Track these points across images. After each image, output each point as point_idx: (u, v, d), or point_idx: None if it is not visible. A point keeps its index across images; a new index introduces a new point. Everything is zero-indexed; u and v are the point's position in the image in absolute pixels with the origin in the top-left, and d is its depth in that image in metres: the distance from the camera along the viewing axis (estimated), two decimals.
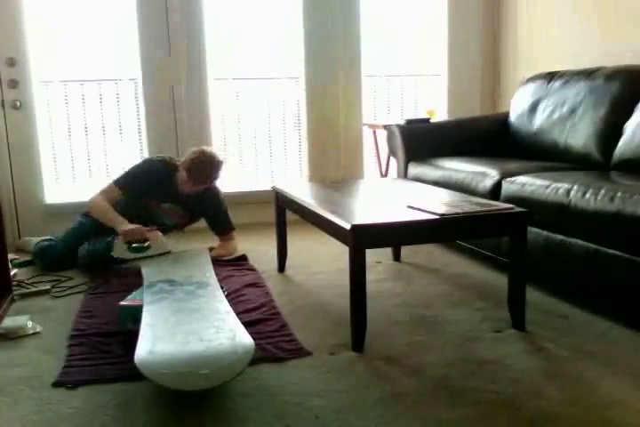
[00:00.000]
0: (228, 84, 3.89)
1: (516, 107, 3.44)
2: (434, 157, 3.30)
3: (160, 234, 2.90)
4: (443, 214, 1.98)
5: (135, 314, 2.05)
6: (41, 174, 3.64)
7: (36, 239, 3.19)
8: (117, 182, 3.02)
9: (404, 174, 3.44)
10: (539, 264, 2.43)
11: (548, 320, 2.19)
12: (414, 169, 3.33)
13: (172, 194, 3.04)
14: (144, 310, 2.03)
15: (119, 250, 2.80)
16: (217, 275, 2.50)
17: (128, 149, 3.78)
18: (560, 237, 2.33)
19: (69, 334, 2.13)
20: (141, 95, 3.73)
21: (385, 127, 3.70)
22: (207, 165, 2.93)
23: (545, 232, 2.40)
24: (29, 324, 2.19)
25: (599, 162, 2.84)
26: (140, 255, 2.77)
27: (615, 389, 1.67)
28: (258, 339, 1.98)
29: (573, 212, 2.23)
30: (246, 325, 1.97)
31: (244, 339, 1.77)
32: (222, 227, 3.13)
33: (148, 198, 3.04)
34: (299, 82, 4.00)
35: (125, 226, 2.85)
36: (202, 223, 2.82)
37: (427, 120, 3.59)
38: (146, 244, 2.81)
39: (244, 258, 3.01)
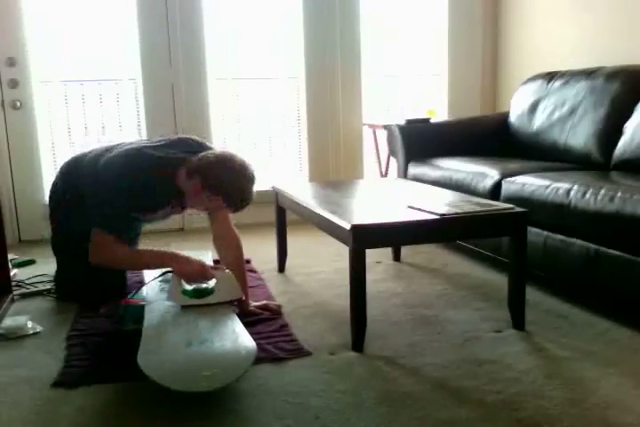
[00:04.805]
0: (227, 84, 3.89)
1: (516, 107, 3.45)
2: (434, 157, 3.30)
3: (228, 273, 2.15)
4: (443, 214, 1.98)
5: (136, 314, 2.05)
6: (41, 174, 3.64)
7: None
8: (110, 229, 2.15)
9: (404, 174, 3.44)
10: (539, 264, 2.43)
11: (548, 320, 2.19)
12: (414, 169, 3.33)
13: (172, 200, 2.28)
14: (146, 310, 2.03)
15: (175, 294, 2.07)
16: None
17: None
18: (560, 237, 2.33)
19: (69, 334, 2.13)
20: (141, 95, 3.73)
21: (385, 127, 3.70)
22: (247, 189, 2.10)
23: (545, 232, 2.40)
24: (29, 324, 2.18)
25: (599, 162, 2.84)
26: (202, 302, 2.05)
27: (615, 389, 1.67)
28: (258, 339, 1.98)
29: (573, 212, 2.23)
30: (247, 325, 1.97)
31: (246, 341, 1.77)
32: None
33: (139, 215, 2.31)
34: (299, 82, 4.00)
35: (179, 260, 2.12)
36: (202, 223, 2.78)
37: (427, 120, 3.59)
38: (209, 285, 2.09)
39: (247, 261, 2.98)
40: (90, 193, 2.27)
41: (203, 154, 2.13)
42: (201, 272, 2.10)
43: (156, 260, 2.16)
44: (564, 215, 2.28)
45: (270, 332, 2.10)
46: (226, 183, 2.06)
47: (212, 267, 2.16)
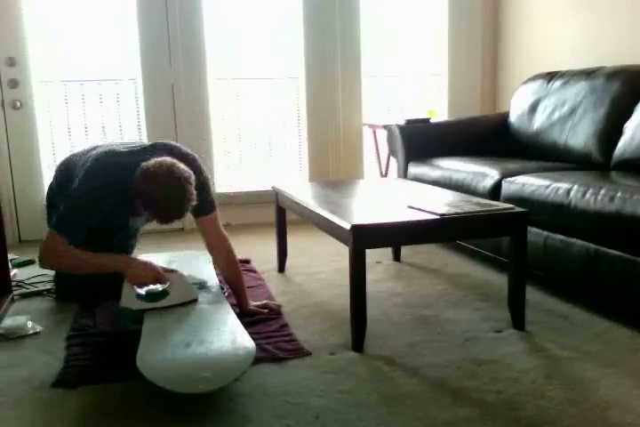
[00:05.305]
0: (227, 84, 3.89)
1: (516, 107, 3.44)
2: (434, 157, 3.30)
3: (182, 275, 2.13)
4: (443, 214, 1.98)
5: (136, 314, 2.04)
6: (41, 174, 3.64)
7: None
8: (63, 230, 2.08)
9: (403, 174, 3.44)
10: (539, 264, 2.43)
11: (548, 320, 2.19)
12: (414, 169, 3.33)
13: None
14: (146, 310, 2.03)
15: (128, 298, 2.02)
16: (217, 276, 2.49)
17: None
18: (560, 237, 2.33)
19: (69, 334, 2.13)
20: (141, 95, 3.73)
21: (385, 127, 3.70)
22: (176, 208, 1.96)
23: (545, 232, 2.40)
24: (29, 324, 2.18)
25: (599, 162, 2.84)
26: (156, 306, 2.01)
27: (615, 389, 1.67)
28: (258, 339, 1.98)
29: (573, 212, 2.23)
30: (246, 325, 1.97)
31: (245, 341, 1.77)
32: (204, 207, 2.24)
33: (117, 220, 2.33)
34: (299, 82, 4.00)
35: (132, 265, 2.07)
36: None
37: (427, 120, 3.59)
38: (162, 288, 2.04)
39: (246, 261, 2.99)
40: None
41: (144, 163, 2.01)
42: (154, 278, 2.06)
43: (109, 264, 2.11)
44: (564, 215, 2.28)
45: (270, 332, 2.10)
46: (146, 194, 1.94)
47: (164, 270, 2.12)
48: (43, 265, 2.15)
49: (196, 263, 2.64)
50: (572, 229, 2.28)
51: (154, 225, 2.62)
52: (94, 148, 2.38)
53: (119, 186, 2.07)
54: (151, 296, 2.02)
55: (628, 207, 2.02)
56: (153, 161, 1.99)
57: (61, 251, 2.08)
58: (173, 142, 2.31)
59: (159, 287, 2.05)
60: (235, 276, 2.29)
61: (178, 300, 2.05)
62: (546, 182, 2.42)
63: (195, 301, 2.09)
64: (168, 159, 2.02)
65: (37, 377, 1.82)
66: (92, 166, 2.15)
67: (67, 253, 2.08)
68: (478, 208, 2.06)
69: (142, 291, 2.05)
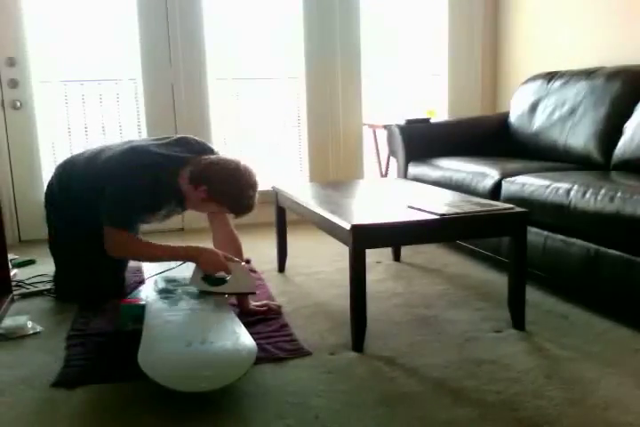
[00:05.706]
0: (227, 84, 3.89)
1: (516, 107, 3.45)
2: (434, 157, 3.30)
3: (245, 268, 2.23)
4: (443, 214, 1.98)
5: (136, 314, 2.05)
6: (41, 174, 3.64)
7: None
8: (123, 224, 2.19)
9: (404, 174, 3.44)
10: (539, 264, 2.43)
11: (548, 320, 2.19)
12: (414, 169, 3.33)
13: (173, 201, 2.31)
14: (146, 310, 2.03)
15: (196, 279, 2.19)
16: None
17: None
18: (560, 237, 2.33)
19: (69, 334, 2.13)
20: (141, 95, 3.73)
21: (385, 127, 3.70)
22: (251, 197, 2.16)
23: (545, 232, 2.40)
24: (29, 324, 2.19)
25: (599, 162, 2.84)
26: (216, 290, 2.16)
27: (615, 389, 1.67)
28: (258, 339, 1.98)
29: (573, 212, 2.23)
30: (247, 325, 1.97)
31: (247, 341, 1.77)
32: None
33: (145, 214, 2.34)
34: (299, 82, 4.00)
35: (205, 253, 2.17)
36: (202, 224, 2.77)
37: (427, 120, 3.59)
38: (226, 276, 2.18)
39: (247, 261, 2.98)
40: (95, 191, 2.23)
41: (207, 159, 2.16)
42: (222, 267, 2.16)
43: (181, 253, 2.19)
44: (564, 215, 2.28)
45: (270, 332, 2.10)
46: (231, 192, 2.11)
47: (230, 260, 2.21)
48: (114, 256, 2.25)
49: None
50: (572, 229, 2.28)
51: (154, 225, 2.63)
52: (102, 149, 2.38)
53: (158, 181, 2.16)
54: (213, 281, 2.17)
55: (627, 207, 2.02)
56: (223, 159, 2.16)
57: (135, 245, 2.19)
58: (195, 137, 2.38)
59: (223, 275, 2.18)
60: None
61: (235, 289, 2.19)
62: (546, 182, 2.42)
63: (252, 293, 2.24)
64: (232, 158, 2.18)
65: (37, 377, 1.82)
66: (130, 162, 2.19)
67: (140, 246, 2.19)
68: (478, 208, 2.06)
69: (208, 276, 2.19)
